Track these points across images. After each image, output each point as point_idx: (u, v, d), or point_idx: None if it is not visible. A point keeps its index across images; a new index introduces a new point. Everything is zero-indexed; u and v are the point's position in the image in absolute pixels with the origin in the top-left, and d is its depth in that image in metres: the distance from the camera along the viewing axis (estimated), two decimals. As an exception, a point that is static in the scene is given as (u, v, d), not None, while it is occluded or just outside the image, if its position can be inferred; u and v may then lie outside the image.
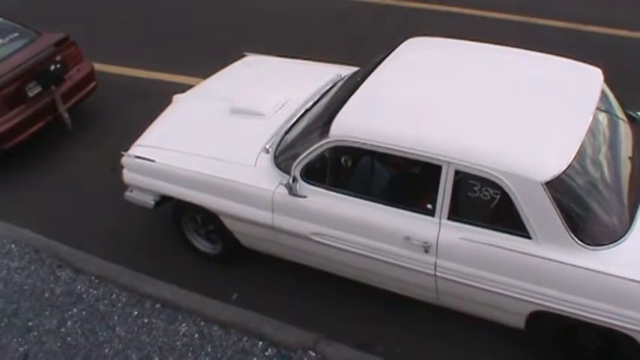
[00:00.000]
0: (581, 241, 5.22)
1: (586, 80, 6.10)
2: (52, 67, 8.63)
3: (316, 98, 6.98)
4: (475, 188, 5.41)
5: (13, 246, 7.37)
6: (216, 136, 6.83)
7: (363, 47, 8.56)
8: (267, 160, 6.36)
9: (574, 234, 5.21)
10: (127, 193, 7.05)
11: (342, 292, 6.51)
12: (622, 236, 5.29)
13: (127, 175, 6.94)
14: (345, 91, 6.33)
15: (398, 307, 6.33)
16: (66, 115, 8.82)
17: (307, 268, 6.50)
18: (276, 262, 6.68)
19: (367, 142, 5.68)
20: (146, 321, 6.51)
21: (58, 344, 6.35)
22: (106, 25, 11.69)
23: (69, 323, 6.53)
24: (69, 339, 6.39)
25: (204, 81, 7.96)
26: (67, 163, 8.66)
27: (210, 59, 8.78)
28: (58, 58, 8.71)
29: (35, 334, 6.45)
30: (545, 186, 5.17)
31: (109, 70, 10.03)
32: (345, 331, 6.24)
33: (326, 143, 5.82)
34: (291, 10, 11.98)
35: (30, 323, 6.55)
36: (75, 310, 6.65)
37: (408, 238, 5.67)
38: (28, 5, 12.27)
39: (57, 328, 6.49)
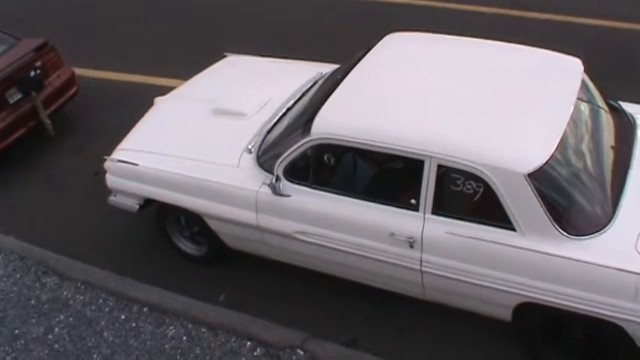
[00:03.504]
0: (565, 231, 5.24)
1: (566, 71, 6.12)
2: (32, 73, 8.57)
3: (298, 97, 6.97)
4: (458, 182, 5.42)
5: (-3, 254, 7.35)
6: (198, 137, 6.81)
7: (345, 44, 8.54)
8: (249, 160, 6.35)
9: (558, 225, 5.23)
10: (111, 198, 7.02)
11: (329, 290, 6.51)
12: (606, 225, 5.31)
13: (111, 180, 6.91)
14: (326, 88, 6.32)
15: (385, 303, 6.35)
16: (47, 121, 8.79)
17: (293, 267, 6.50)
18: (262, 262, 6.68)
19: (349, 139, 5.68)
20: (134, 325, 6.49)
21: (46, 351, 6.31)
22: (86, 29, 11.63)
23: (56, 330, 6.50)
24: (56, 346, 6.36)
25: (185, 82, 7.94)
26: (50, 169, 8.62)
27: (191, 60, 8.75)
28: (37, 64, 8.66)
29: (22, 341, 6.41)
30: (527, 177, 5.18)
31: (90, 75, 9.98)
32: (333, 329, 6.25)
33: (308, 142, 5.81)
34: (271, 8, 11.96)
35: (16, 331, 6.51)
36: (62, 317, 6.61)
37: (392, 234, 5.67)
38: (3, 9, 12.20)
39: (44, 335, 6.45)
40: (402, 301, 6.18)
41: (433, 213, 5.56)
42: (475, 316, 5.90)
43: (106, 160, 6.88)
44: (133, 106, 7.92)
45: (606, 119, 6.12)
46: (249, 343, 6.19)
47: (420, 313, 6.24)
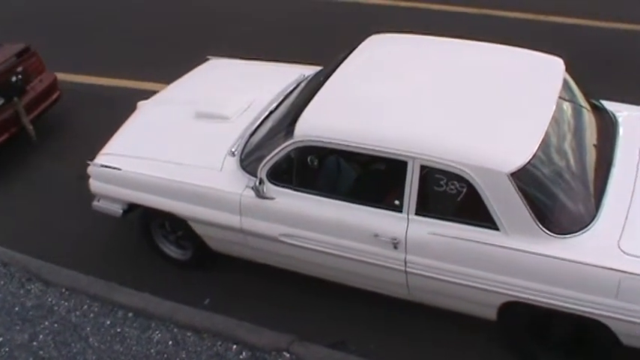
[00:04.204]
0: (549, 230, 5.25)
1: (548, 70, 6.14)
2: (14, 79, 8.51)
3: (280, 99, 6.97)
4: (441, 182, 5.43)
5: (-20, 261, 7.29)
6: (181, 141, 6.79)
7: (328, 46, 8.54)
8: (233, 163, 6.34)
9: (541, 223, 5.25)
10: (95, 203, 6.99)
11: (314, 292, 6.51)
12: (589, 223, 5.33)
13: (94, 185, 6.88)
14: (309, 91, 6.33)
15: (371, 305, 6.34)
16: (30, 127, 8.72)
17: (278, 270, 6.49)
18: (247, 265, 6.66)
19: (332, 141, 5.68)
20: (119, 330, 6.46)
21: (31, 358, 6.27)
22: (68, 33, 11.57)
23: (41, 337, 6.46)
24: (41, 352, 6.32)
25: (168, 86, 7.92)
26: (33, 174, 8.57)
27: (173, 64, 8.72)
28: (19, 69, 8.61)
29: (7, 349, 6.36)
30: (510, 177, 5.19)
31: (73, 79, 9.93)
32: (319, 331, 6.24)
33: (291, 144, 5.80)
34: (256, 9, 11.94)
35: (0, 338, 6.45)
36: (46, 323, 6.57)
37: (376, 235, 5.67)
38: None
39: (29, 342, 6.41)
40: (389, 302, 6.18)
41: (417, 214, 5.56)
42: (464, 317, 5.90)
43: (89, 164, 6.85)
44: (115, 110, 7.89)
45: (588, 118, 6.15)
46: (235, 346, 6.17)
47: (408, 314, 6.24)
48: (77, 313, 6.65)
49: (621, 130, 6.17)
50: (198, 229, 6.55)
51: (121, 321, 6.53)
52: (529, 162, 5.27)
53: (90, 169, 6.84)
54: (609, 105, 6.48)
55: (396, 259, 5.69)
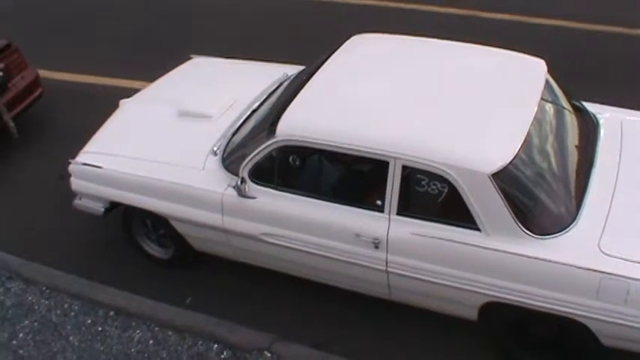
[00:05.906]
0: (530, 231, 5.27)
1: (530, 72, 6.15)
2: (-5, 76, 8.49)
3: (263, 98, 6.97)
4: (423, 183, 5.43)
5: (-40, 259, 7.24)
6: (163, 139, 6.77)
7: (312, 45, 8.53)
8: (215, 162, 6.33)
9: (522, 224, 5.26)
10: (76, 201, 6.96)
11: (296, 292, 6.51)
12: (570, 224, 5.35)
13: (75, 183, 6.85)
14: (291, 90, 6.31)
15: (354, 305, 6.35)
16: (11, 124, 8.66)
17: (260, 269, 6.48)
18: (229, 264, 6.65)
19: (314, 140, 5.67)
20: (100, 329, 6.43)
21: (10, 357, 6.23)
22: (50, 31, 11.52)
23: (20, 335, 6.43)
24: (21, 351, 6.29)
25: (150, 85, 7.89)
26: (14, 172, 8.52)
27: (156, 62, 8.71)
28: (0, 66, 8.55)
29: (-14, 348, 6.36)
30: (491, 178, 5.20)
31: (55, 77, 9.87)
32: (301, 331, 6.24)
33: (273, 143, 5.80)
34: (239, 8, 11.92)
35: (-20, 337, 6.45)
36: (26, 322, 6.54)
37: (358, 235, 5.68)
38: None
39: (8, 341, 6.38)
40: (371, 302, 6.18)
41: (398, 214, 5.56)
42: (451, 318, 5.90)
43: (70, 163, 6.82)
44: (98, 108, 7.83)
45: (570, 119, 6.17)
46: (216, 345, 6.17)
47: (391, 314, 6.25)
48: (58, 311, 6.62)
49: (602, 132, 6.20)
50: (180, 228, 6.53)
51: (102, 320, 6.51)
52: (510, 163, 5.28)
53: (71, 168, 6.81)
54: (591, 106, 6.50)
55: (377, 258, 5.70)
